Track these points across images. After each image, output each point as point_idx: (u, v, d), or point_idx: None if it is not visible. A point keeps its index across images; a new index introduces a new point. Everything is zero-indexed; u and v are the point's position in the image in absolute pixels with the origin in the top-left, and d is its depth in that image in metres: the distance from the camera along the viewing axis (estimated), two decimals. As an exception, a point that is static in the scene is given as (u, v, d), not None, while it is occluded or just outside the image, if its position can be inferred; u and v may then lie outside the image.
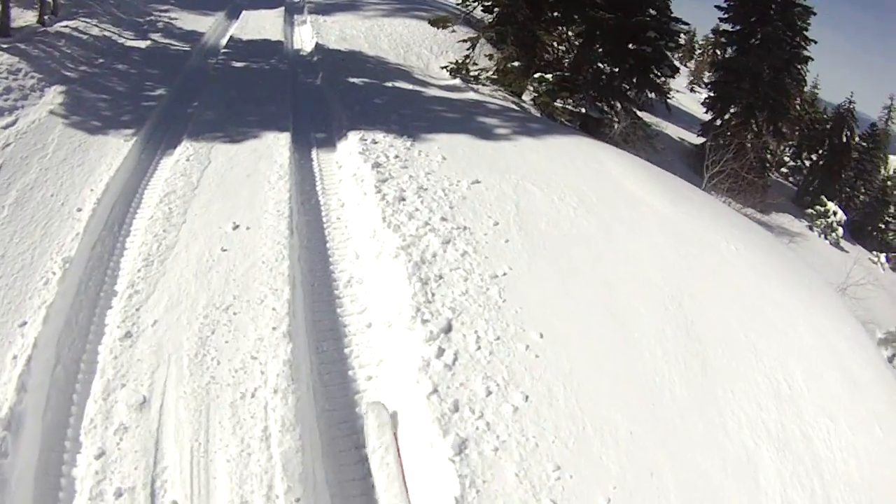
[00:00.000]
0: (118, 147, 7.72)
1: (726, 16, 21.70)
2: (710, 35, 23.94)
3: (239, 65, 11.77)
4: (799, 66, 21.34)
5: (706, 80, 22.65)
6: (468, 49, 13.40)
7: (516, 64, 12.48)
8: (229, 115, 8.90)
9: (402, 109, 9.50)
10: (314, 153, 8.04)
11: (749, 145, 19.92)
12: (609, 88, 14.65)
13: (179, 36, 14.05)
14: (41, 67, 9.86)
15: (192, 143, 7.81)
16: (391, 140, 7.99)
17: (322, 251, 6.13)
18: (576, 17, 13.16)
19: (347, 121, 8.62)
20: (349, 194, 6.89)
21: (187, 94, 10.11)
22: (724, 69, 22.07)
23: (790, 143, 22.49)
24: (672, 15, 14.53)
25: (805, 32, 20.71)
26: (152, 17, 15.61)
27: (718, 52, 23.51)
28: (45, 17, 12.67)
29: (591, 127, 13.73)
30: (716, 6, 21.46)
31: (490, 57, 13.78)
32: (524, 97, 13.28)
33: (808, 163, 27.37)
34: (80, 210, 6.16)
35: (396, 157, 7.42)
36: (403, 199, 6.40)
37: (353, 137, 7.95)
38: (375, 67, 12.63)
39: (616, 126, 12.89)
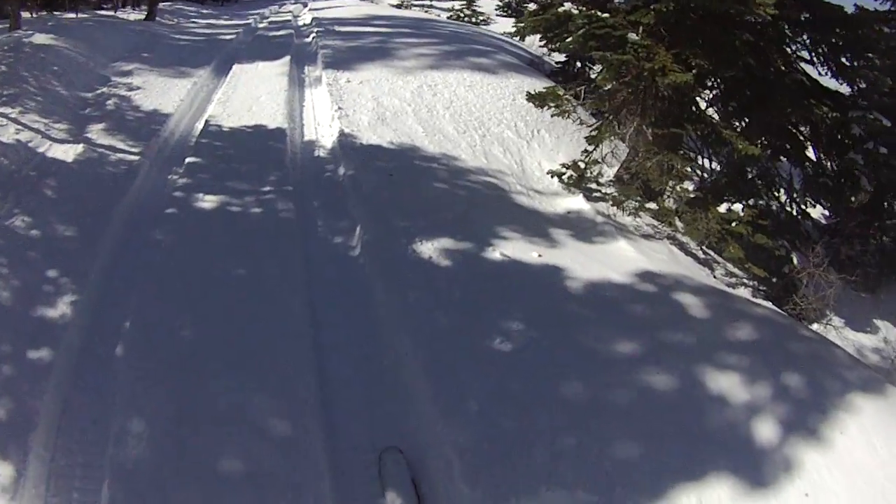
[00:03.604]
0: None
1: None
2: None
3: (210, 203, 6.46)
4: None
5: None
6: (590, 144, 7.98)
7: (688, 188, 7.17)
8: (182, 419, 3.67)
9: (568, 381, 4.16)
10: None
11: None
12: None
13: (132, 127, 8.78)
14: None
15: None
16: None
17: None
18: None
19: (467, 480, 3.32)
20: None
21: (110, 309, 4.96)
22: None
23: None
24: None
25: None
26: (105, 89, 10.44)
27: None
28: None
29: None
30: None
31: (626, 153, 8.41)
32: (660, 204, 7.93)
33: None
34: None
35: None
36: None
37: None
38: (451, 190, 7.28)
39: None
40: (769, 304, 6.75)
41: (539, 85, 11.56)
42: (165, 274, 5.25)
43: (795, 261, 9.37)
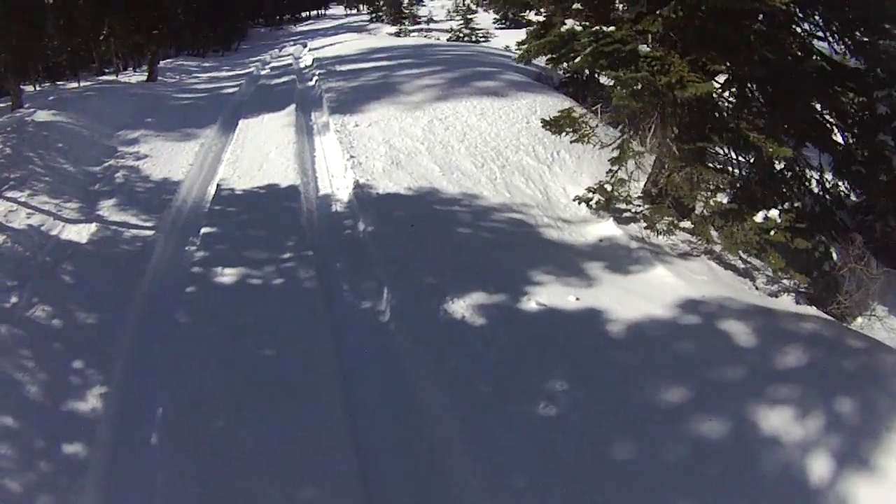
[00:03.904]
0: None
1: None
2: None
3: (229, 277, 6.27)
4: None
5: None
6: (614, 164, 7.69)
7: (723, 201, 6.87)
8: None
9: (616, 441, 3.97)
10: None
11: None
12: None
13: (143, 199, 8.66)
14: None
15: None
16: None
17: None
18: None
19: None
20: None
21: (139, 398, 4.80)
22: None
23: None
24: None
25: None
26: (113, 161, 10.33)
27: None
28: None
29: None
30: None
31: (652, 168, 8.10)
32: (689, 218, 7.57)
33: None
34: None
35: None
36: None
37: None
38: (477, 234, 7.04)
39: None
40: (814, 310, 6.42)
41: (549, 101, 11.34)
42: (191, 359, 5.05)
43: (835, 255, 8.99)
